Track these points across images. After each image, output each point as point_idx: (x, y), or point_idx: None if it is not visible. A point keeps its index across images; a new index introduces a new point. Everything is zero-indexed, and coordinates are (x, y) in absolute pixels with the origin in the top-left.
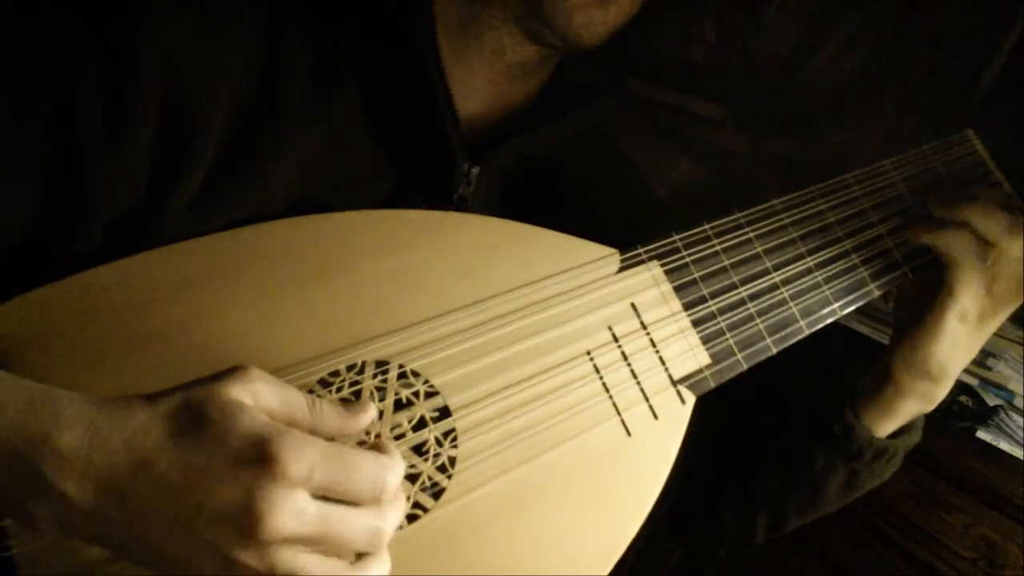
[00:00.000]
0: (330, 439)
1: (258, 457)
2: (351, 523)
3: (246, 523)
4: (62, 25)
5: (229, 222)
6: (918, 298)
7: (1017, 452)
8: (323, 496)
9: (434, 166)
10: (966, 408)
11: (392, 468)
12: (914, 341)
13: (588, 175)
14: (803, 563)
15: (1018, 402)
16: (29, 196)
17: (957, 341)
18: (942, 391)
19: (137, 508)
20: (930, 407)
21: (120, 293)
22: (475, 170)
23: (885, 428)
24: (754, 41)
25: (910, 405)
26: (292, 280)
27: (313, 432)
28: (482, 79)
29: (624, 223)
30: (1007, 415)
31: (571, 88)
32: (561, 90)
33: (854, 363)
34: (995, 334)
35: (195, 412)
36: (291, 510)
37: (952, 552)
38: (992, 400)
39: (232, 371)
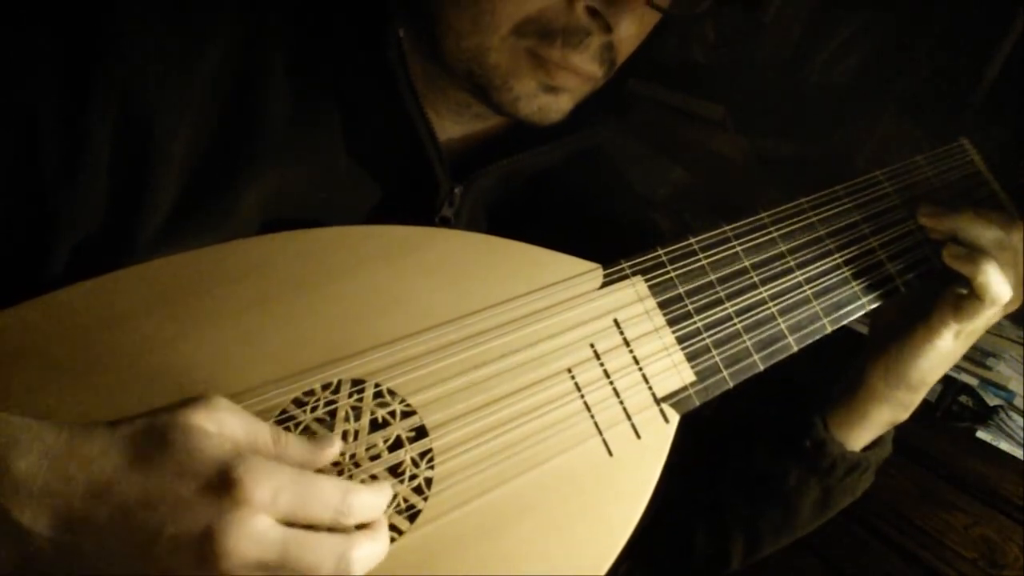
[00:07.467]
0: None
1: (220, 482)
2: (315, 548)
3: (207, 549)
4: (29, 49)
5: (203, 244)
6: (904, 310)
7: (1017, 452)
8: (289, 522)
9: (416, 187)
10: (966, 408)
11: (358, 492)
12: (901, 352)
13: (582, 189)
14: (804, 564)
15: (1018, 402)
16: None
17: (946, 354)
18: (918, 399)
19: (96, 535)
20: (904, 416)
21: (93, 311)
22: (458, 190)
23: (857, 440)
24: (754, 41)
25: (884, 414)
26: (267, 297)
27: None
28: (454, 121)
29: (618, 235)
30: (1007, 415)
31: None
32: None
33: (819, 370)
34: (995, 334)
35: (157, 437)
36: (252, 536)
37: (952, 552)
38: (992, 400)
39: (197, 399)
